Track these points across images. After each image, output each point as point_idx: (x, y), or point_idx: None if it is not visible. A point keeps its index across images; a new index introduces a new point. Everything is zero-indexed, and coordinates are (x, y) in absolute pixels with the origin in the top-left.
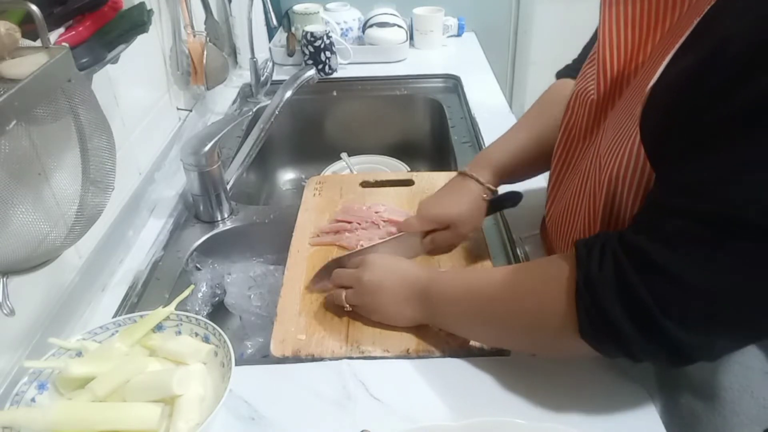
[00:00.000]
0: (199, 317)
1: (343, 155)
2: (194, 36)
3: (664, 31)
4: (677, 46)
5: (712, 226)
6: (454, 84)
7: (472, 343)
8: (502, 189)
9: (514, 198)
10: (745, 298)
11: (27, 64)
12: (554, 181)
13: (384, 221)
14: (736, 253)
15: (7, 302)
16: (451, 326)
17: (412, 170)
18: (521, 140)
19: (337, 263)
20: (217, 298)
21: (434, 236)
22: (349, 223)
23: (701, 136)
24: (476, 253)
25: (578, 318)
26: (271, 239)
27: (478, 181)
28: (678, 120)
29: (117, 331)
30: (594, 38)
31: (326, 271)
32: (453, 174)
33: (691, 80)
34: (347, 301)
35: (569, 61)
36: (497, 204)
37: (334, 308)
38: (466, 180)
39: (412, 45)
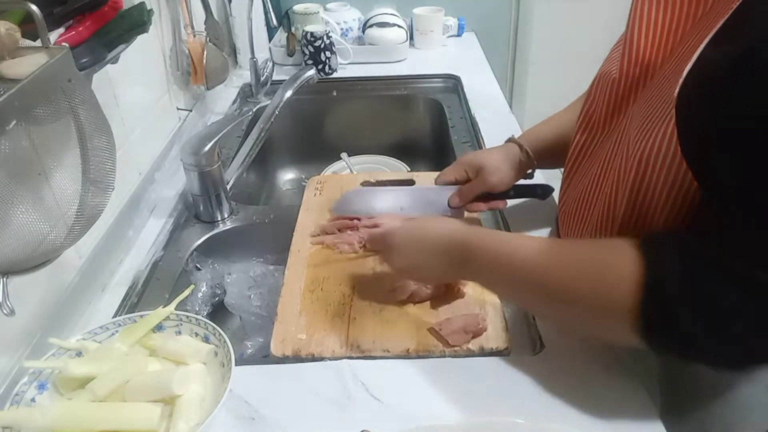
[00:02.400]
0: (199, 317)
1: (343, 155)
2: (194, 36)
3: (697, 16)
4: (715, 29)
5: None
6: (454, 84)
7: (472, 343)
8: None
9: (545, 189)
10: None
11: (27, 64)
12: (570, 168)
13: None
14: None
15: (7, 302)
16: (495, 288)
17: (412, 170)
18: (564, 120)
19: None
20: (217, 298)
21: (461, 188)
22: (351, 219)
23: (755, 143)
24: None
25: (641, 319)
26: (271, 239)
27: (517, 143)
28: (720, 112)
29: (117, 331)
30: None
31: (353, 196)
32: None
33: (732, 70)
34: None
35: (569, 61)
36: (526, 190)
37: (335, 308)
38: (508, 143)
39: (412, 45)
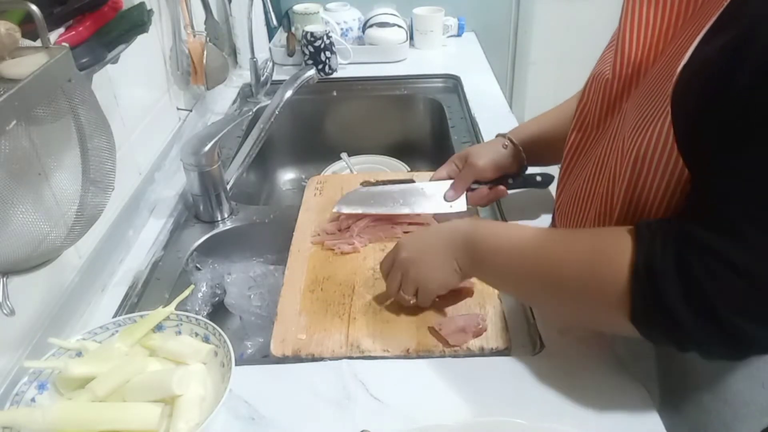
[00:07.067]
0: (199, 317)
1: (343, 155)
2: (194, 36)
3: (687, 15)
4: (707, 27)
5: None
6: (454, 84)
7: (472, 343)
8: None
9: (545, 178)
10: None
11: (27, 64)
12: (565, 168)
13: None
14: None
15: (7, 302)
16: (496, 280)
17: (412, 170)
18: (551, 118)
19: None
20: (217, 298)
21: (454, 181)
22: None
23: (748, 122)
24: None
25: (632, 303)
26: (271, 239)
27: (501, 134)
28: (715, 103)
29: (117, 331)
30: None
31: (353, 197)
32: None
33: (726, 62)
34: (405, 293)
35: (569, 61)
36: (527, 179)
37: (335, 308)
38: (495, 138)
39: (412, 45)
